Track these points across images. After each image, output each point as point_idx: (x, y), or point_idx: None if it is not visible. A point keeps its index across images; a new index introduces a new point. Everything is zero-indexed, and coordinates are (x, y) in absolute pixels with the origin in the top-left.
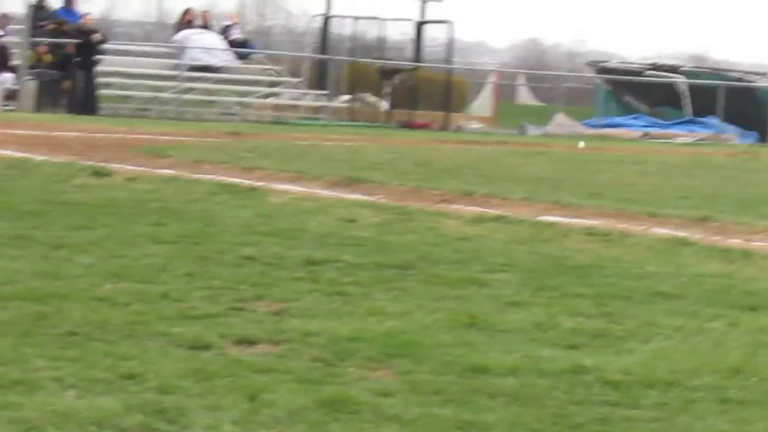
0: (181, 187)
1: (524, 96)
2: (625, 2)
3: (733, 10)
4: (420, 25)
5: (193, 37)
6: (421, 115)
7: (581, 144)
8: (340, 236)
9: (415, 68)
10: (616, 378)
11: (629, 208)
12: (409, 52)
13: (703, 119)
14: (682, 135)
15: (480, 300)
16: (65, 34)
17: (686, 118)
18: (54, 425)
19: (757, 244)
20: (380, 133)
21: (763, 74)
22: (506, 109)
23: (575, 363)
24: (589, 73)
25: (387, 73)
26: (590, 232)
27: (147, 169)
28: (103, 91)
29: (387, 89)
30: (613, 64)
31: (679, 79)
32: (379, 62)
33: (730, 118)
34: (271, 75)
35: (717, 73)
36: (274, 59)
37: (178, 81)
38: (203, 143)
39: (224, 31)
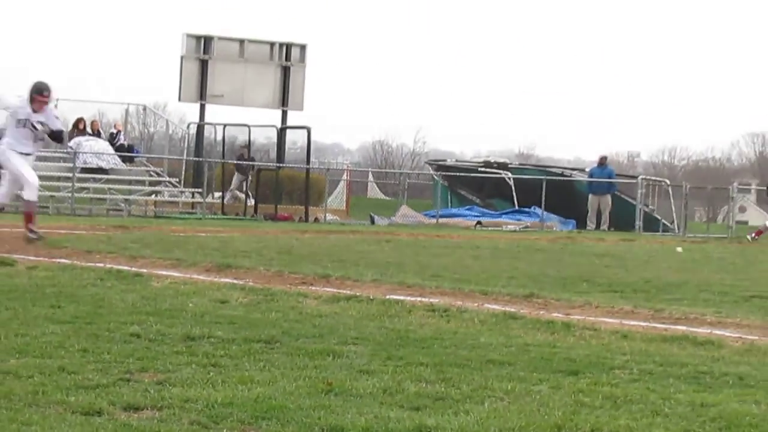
0: (75, 273)
1: (373, 191)
2: (461, 107)
3: (556, 114)
4: (282, 130)
5: (85, 143)
6: (284, 209)
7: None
8: (214, 315)
9: (279, 168)
10: None
11: (464, 287)
12: (273, 153)
13: (529, 209)
14: (510, 223)
15: (336, 369)
16: None
17: (513, 209)
18: None
19: (576, 317)
20: (248, 225)
21: (580, 170)
22: (358, 203)
23: (419, 423)
24: (429, 171)
25: (243, 170)
26: (431, 309)
27: (45, 259)
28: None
29: (242, 184)
30: (449, 162)
31: (506, 174)
32: (237, 162)
33: (552, 207)
34: (153, 176)
35: (540, 168)
36: (156, 162)
37: (72, 181)
38: (94, 235)
39: (112, 138)
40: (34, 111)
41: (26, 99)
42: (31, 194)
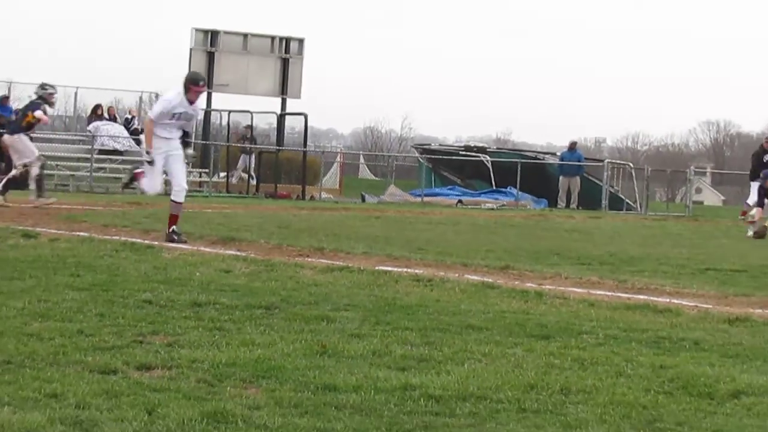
0: (93, 245)
1: (364, 172)
2: (444, 96)
3: (530, 103)
4: (281, 116)
5: (102, 127)
6: (283, 188)
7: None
8: (219, 283)
9: (278, 150)
10: (437, 393)
11: (446, 260)
12: (273, 137)
13: (505, 189)
14: (488, 202)
15: (329, 333)
16: (1, 127)
17: (491, 189)
18: None
19: (547, 287)
20: (250, 202)
21: (552, 153)
22: (350, 183)
23: (405, 382)
24: (415, 154)
25: (246, 151)
26: (416, 279)
27: (66, 232)
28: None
29: (247, 163)
30: (433, 146)
31: (484, 157)
32: (240, 145)
33: (526, 188)
34: None
35: (516, 152)
36: None
37: (90, 162)
38: (110, 211)
39: (127, 123)
40: (190, 102)
41: (181, 91)
42: (174, 194)
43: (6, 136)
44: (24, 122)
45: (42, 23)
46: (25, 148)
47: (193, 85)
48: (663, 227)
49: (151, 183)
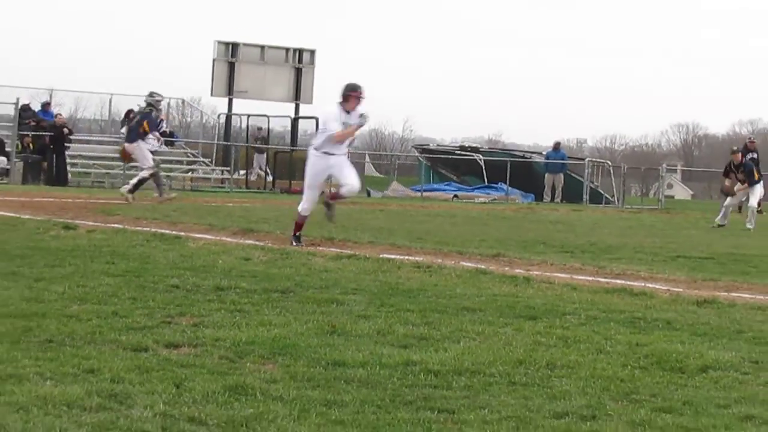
0: (126, 236)
1: (369, 169)
2: (442, 100)
3: (519, 107)
4: (295, 120)
5: None
6: (297, 184)
7: None
8: (240, 270)
9: (292, 150)
10: (435, 368)
11: (444, 248)
12: (287, 139)
13: (496, 185)
14: (481, 196)
15: (339, 314)
16: (43, 129)
17: (484, 184)
18: (37, 406)
19: (534, 273)
20: (268, 197)
21: (538, 153)
22: None
23: (407, 358)
24: (415, 153)
25: (260, 150)
26: (416, 266)
27: (102, 224)
28: (71, 169)
29: (261, 161)
30: (432, 146)
31: (477, 156)
32: (254, 145)
33: (515, 184)
34: (189, 156)
35: (506, 152)
36: (192, 145)
37: (123, 162)
38: (142, 205)
39: (156, 126)
40: (347, 111)
41: (339, 102)
42: (345, 191)
43: (126, 144)
44: (140, 129)
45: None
46: (142, 155)
47: (352, 92)
48: (638, 219)
49: (308, 206)
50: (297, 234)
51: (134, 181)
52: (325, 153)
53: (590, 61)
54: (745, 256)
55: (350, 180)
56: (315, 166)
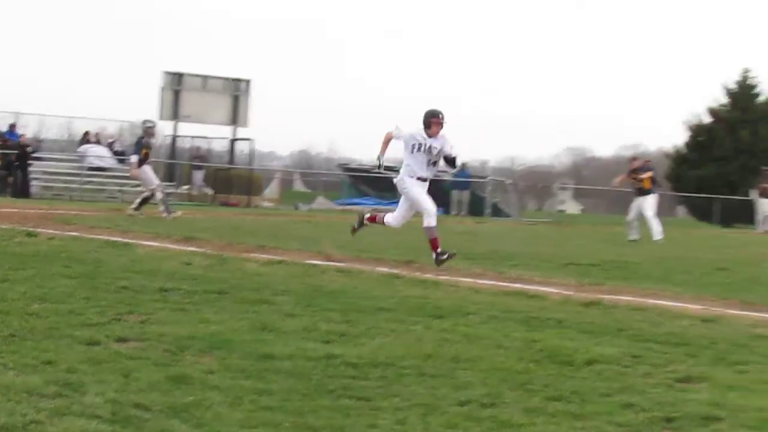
0: (82, 243)
1: (298, 185)
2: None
3: None
4: (233, 141)
5: (90, 149)
6: (234, 197)
7: None
8: (182, 273)
9: (230, 168)
10: (354, 361)
11: (362, 255)
12: (226, 158)
13: None
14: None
15: (269, 313)
16: (9, 147)
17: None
18: (0, 393)
19: (442, 277)
20: (208, 209)
21: (446, 171)
22: (287, 194)
23: (329, 352)
24: (339, 171)
25: (198, 167)
26: (339, 270)
27: (60, 232)
28: (34, 183)
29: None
30: (353, 165)
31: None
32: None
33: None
34: None
35: None
36: None
37: (81, 177)
38: (96, 216)
39: (110, 145)
40: (430, 135)
41: (421, 128)
42: (429, 221)
43: (133, 169)
44: (142, 155)
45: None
46: (147, 178)
47: (433, 117)
48: (534, 231)
49: (398, 219)
50: (438, 251)
51: (138, 200)
52: (419, 179)
53: (492, 93)
54: (626, 263)
55: (428, 207)
56: (416, 188)
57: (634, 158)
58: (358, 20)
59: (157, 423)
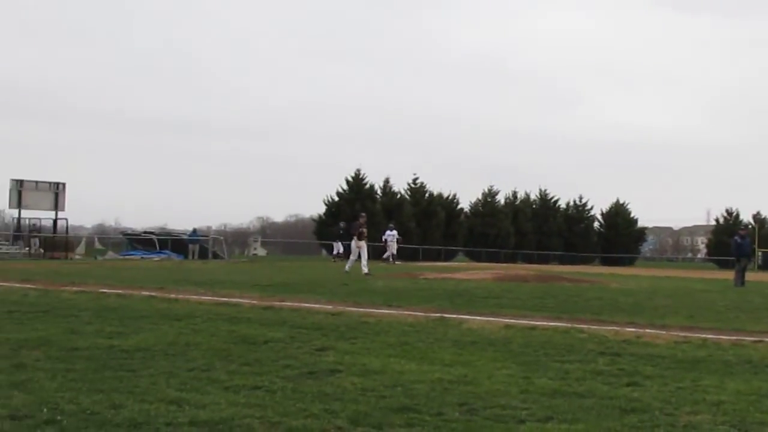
0: None
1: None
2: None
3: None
4: (55, 220)
5: None
6: (57, 253)
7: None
8: (22, 301)
9: (54, 235)
10: (126, 348)
11: (134, 284)
12: (52, 229)
13: (165, 251)
14: (156, 258)
15: (75, 323)
16: None
17: (157, 250)
18: None
19: (180, 296)
20: (40, 261)
21: (184, 233)
22: (90, 250)
23: (111, 344)
24: (121, 236)
25: (34, 236)
26: (118, 295)
27: None
28: None
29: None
30: (129, 231)
31: (153, 236)
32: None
33: (175, 250)
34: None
35: (168, 233)
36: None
37: None
38: None
39: None
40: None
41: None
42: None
43: None
44: None
45: None
46: None
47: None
48: (239, 266)
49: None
50: None
51: None
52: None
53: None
54: (289, 284)
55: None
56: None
57: (361, 215)
58: None
59: (2, 392)
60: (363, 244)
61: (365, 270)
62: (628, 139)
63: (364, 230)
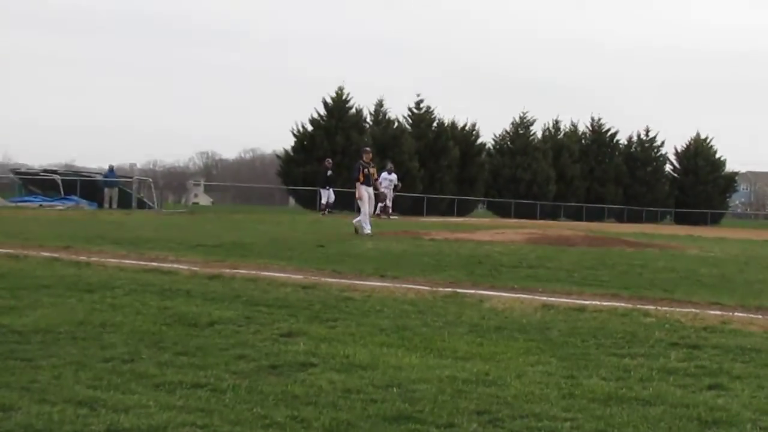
0: None
1: None
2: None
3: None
4: None
5: None
6: None
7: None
8: None
9: None
10: (19, 329)
11: (28, 243)
12: None
13: (70, 197)
14: (59, 205)
15: None
16: None
17: (62, 197)
18: None
19: (93, 259)
20: None
21: (99, 173)
22: None
23: None
24: (11, 175)
25: None
26: (8, 255)
27: None
28: None
29: None
30: (22, 170)
31: (56, 176)
32: None
33: (84, 195)
34: None
35: (77, 172)
36: None
37: None
38: None
39: None
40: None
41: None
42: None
43: None
44: None
45: None
46: None
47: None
48: (171, 219)
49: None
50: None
51: None
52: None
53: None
54: (244, 244)
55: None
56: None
57: (366, 150)
58: None
59: None
60: (371, 190)
61: (366, 229)
62: (717, 48)
63: (372, 170)
